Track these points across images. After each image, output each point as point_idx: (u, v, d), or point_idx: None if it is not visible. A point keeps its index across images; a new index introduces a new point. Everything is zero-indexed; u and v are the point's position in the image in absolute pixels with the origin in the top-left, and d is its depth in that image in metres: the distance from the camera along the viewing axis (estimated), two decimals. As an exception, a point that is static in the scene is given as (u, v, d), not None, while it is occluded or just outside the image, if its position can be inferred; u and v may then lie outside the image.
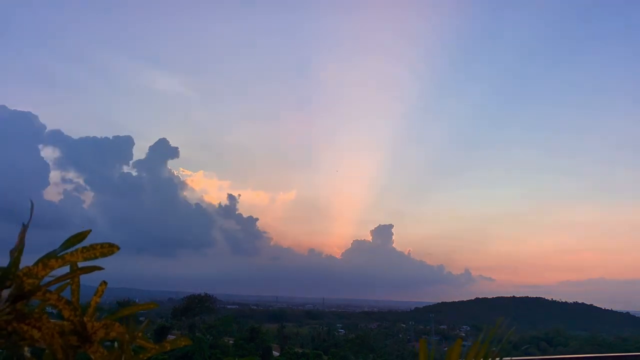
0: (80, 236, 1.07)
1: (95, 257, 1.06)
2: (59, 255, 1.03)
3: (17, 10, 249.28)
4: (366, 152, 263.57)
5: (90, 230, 1.08)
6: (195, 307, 55.06)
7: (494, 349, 1.79)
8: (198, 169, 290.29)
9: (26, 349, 1.13)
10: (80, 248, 1.05)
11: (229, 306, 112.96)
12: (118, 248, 1.06)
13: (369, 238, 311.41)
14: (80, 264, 1.10)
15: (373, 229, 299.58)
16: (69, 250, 1.05)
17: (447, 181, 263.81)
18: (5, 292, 0.97)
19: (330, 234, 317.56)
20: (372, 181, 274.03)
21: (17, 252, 1.01)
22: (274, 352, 47.40)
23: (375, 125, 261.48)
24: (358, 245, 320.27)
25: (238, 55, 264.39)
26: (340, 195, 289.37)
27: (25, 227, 1.04)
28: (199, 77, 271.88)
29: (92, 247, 1.05)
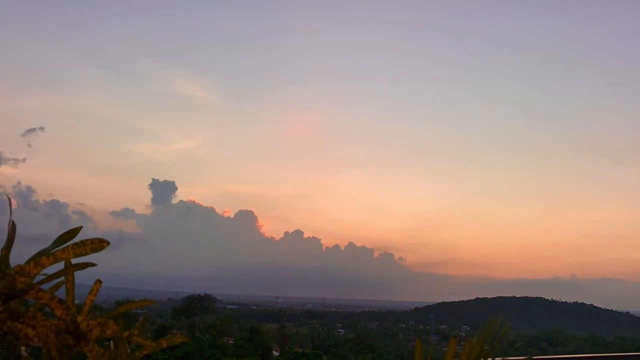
0: (72, 233, 1.07)
1: (86, 253, 1.06)
2: (50, 252, 1.03)
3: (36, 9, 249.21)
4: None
5: (82, 227, 1.09)
6: (195, 307, 55.09)
7: (486, 347, 1.79)
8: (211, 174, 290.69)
9: (23, 348, 1.13)
10: (71, 244, 1.05)
11: (229, 306, 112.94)
12: (108, 243, 1.07)
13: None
14: (74, 261, 1.10)
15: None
16: (60, 247, 1.05)
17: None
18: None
19: (332, 233, 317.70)
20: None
21: (5, 249, 1.01)
22: (274, 352, 47.42)
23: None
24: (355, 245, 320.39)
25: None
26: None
27: (13, 224, 1.04)
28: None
29: (83, 243, 1.06)
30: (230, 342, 46.67)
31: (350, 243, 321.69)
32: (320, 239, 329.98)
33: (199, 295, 57.23)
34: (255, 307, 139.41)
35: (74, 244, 1.06)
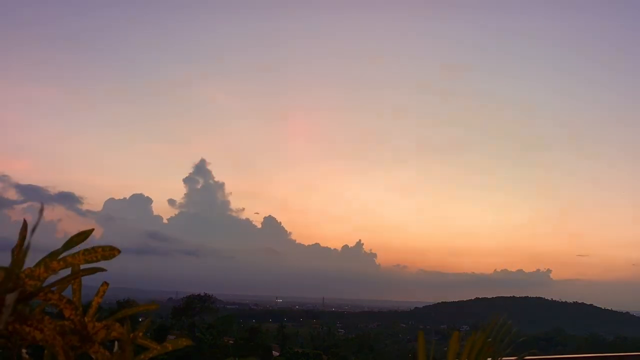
0: (83, 235, 1.08)
1: (97, 260, 1.06)
2: (60, 257, 1.03)
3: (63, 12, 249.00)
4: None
5: (93, 229, 1.09)
6: (195, 307, 55.12)
7: (488, 343, 1.80)
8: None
9: (24, 350, 1.13)
10: (82, 250, 1.05)
11: (229, 306, 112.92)
12: (119, 251, 1.07)
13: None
14: (82, 266, 1.10)
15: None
16: (71, 252, 1.05)
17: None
18: (10, 297, 0.95)
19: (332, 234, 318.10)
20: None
21: (19, 252, 1.01)
22: (274, 352, 47.43)
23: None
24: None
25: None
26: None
27: (25, 225, 1.03)
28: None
29: (94, 249, 1.05)
30: (230, 342, 46.67)
31: (348, 244, 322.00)
32: (321, 240, 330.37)
33: (199, 295, 57.26)
34: (255, 307, 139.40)
35: (85, 250, 1.06)
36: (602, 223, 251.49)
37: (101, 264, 1.11)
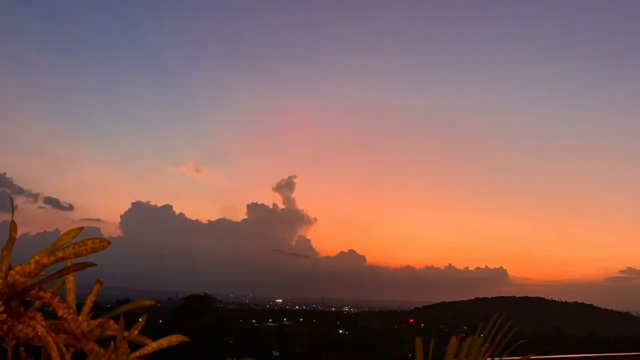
0: (73, 233, 1.07)
1: (87, 253, 1.05)
2: (50, 252, 1.03)
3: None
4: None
5: (83, 228, 1.08)
6: (195, 307, 55.18)
7: (487, 344, 1.79)
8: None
9: (22, 348, 1.13)
10: (71, 244, 1.04)
11: (229, 306, 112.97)
12: (109, 243, 1.05)
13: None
14: (74, 261, 1.10)
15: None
16: (60, 247, 1.04)
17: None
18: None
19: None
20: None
21: (6, 249, 1.00)
22: (274, 352, 47.45)
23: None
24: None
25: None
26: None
27: (14, 224, 1.03)
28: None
29: (83, 242, 1.04)
30: (230, 342, 46.69)
31: (348, 243, 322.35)
32: (320, 241, 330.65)
33: (199, 295, 57.32)
34: (255, 307, 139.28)
35: (75, 244, 1.04)
36: (599, 225, 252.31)
37: (99, 261, 1.10)
